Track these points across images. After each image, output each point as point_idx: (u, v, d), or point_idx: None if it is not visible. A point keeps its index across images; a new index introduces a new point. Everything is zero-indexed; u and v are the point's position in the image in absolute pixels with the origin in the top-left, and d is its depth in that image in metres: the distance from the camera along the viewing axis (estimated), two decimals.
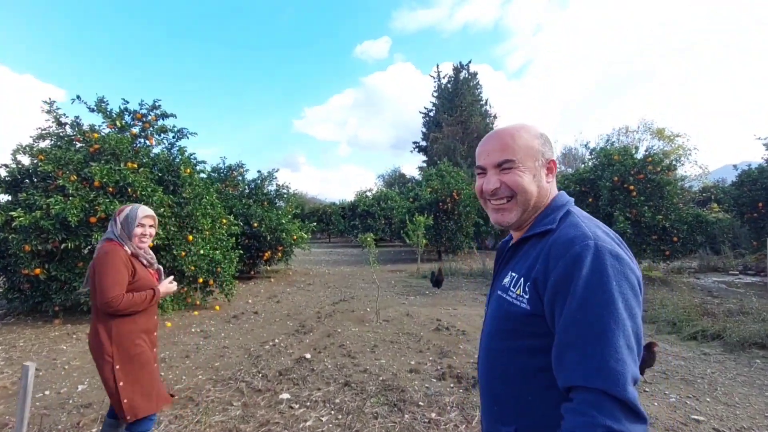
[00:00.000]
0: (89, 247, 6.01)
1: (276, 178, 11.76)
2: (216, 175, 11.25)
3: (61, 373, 3.96)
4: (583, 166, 12.70)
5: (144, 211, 2.33)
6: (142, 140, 7.35)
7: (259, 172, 11.58)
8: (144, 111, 7.13)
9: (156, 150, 7.36)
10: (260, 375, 3.83)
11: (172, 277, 2.52)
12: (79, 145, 6.67)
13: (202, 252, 6.66)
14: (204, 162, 7.91)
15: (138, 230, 2.28)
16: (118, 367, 2.15)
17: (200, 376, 3.84)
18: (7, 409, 3.21)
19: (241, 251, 8.03)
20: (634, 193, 9.09)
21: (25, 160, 6.18)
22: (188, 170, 7.06)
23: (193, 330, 5.53)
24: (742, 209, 9.64)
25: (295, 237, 10.62)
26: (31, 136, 6.57)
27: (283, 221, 10.41)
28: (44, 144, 6.63)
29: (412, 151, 40.03)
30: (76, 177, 5.91)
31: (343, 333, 5.29)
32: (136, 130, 7.26)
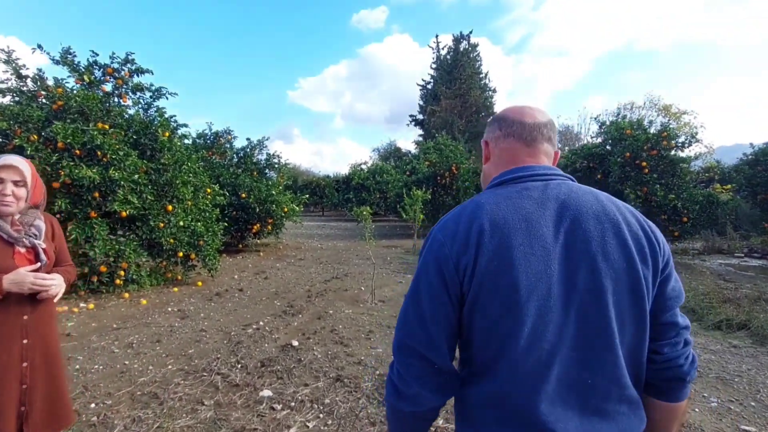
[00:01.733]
0: (57, 215, 5.44)
1: (266, 147, 11.09)
2: (202, 141, 10.54)
3: None
4: (591, 140, 12.14)
5: None
6: (117, 99, 6.64)
7: (248, 140, 10.87)
8: (116, 65, 6.38)
9: (131, 111, 6.66)
10: (239, 366, 3.35)
11: (38, 265, 1.66)
12: (43, 101, 5.97)
13: (181, 223, 6.09)
14: (185, 125, 7.22)
15: None
16: None
17: (170, 366, 3.34)
18: None
19: (227, 223, 7.48)
20: (646, 170, 8.58)
21: None
22: (167, 134, 6.40)
23: (169, 309, 5.02)
24: (756, 189, 9.18)
25: (285, 209, 10.05)
26: None
27: (273, 192, 9.81)
28: (5, 100, 5.92)
29: (408, 125, 39.16)
30: (37, 137, 5.26)
31: (335, 315, 4.82)
32: (108, 87, 6.55)
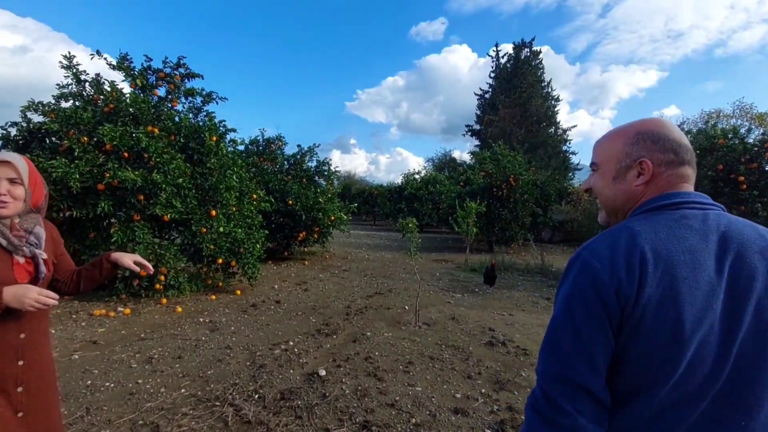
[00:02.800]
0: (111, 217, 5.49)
1: (317, 153, 10.92)
2: (254, 148, 10.59)
3: None
4: None
5: None
6: (169, 104, 6.68)
7: (299, 146, 10.77)
8: (168, 70, 6.41)
9: (182, 115, 6.65)
10: (256, 396, 2.94)
11: (43, 291, 1.38)
12: (101, 104, 6.09)
13: (221, 230, 5.91)
14: (234, 130, 7.12)
15: None
16: None
17: (183, 390, 3.01)
18: None
19: (272, 230, 7.26)
20: (744, 186, 7.32)
21: (38, 119, 5.64)
22: (214, 138, 6.30)
23: (201, 320, 4.78)
24: None
25: (333, 218, 9.77)
26: (53, 95, 6.06)
27: (321, 200, 9.56)
28: (67, 105, 6.10)
29: (464, 135, 38.21)
30: (87, 139, 5.30)
31: (372, 338, 4.32)
32: (161, 92, 6.60)
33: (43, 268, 1.50)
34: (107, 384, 3.04)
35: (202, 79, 6.65)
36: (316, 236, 10.02)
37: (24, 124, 5.48)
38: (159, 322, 4.63)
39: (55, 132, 5.21)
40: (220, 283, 6.42)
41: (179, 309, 5.15)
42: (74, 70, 5.94)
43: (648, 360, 0.77)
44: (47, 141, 5.56)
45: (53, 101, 5.95)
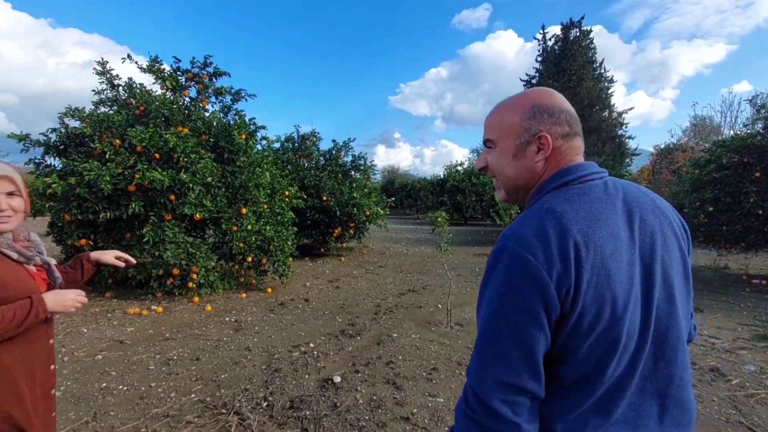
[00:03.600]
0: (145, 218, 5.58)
1: (352, 148, 10.76)
2: (290, 145, 10.61)
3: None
4: (741, 131, 9.59)
5: None
6: (200, 104, 6.74)
7: (333, 141, 10.66)
8: (195, 70, 6.45)
9: (208, 114, 6.70)
10: (265, 404, 2.77)
11: (77, 292, 1.44)
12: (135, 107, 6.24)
13: (250, 227, 5.87)
14: (264, 127, 7.06)
15: None
16: None
17: (193, 395, 2.90)
18: None
19: (295, 229, 7.16)
20: None
21: (75, 125, 5.86)
22: (243, 136, 6.28)
23: (227, 319, 4.74)
24: None
25: (368, 213, 9.58)
26: (92, 101, 6.30)
27: (356, 195, 9.39)
28: (105, 110, 6.31)
29: None
30: (119, 141, 5.42)
31: (398, 340, 4.06)
32: (193, 92, 6.67)
33: (57, 273, 1.49)
34: (120, 387, 3.00)
35: (229, 76, 6.65)
36: (351, 232, 9.88)
37: (62, 130, 5.69)
38: (187, 321, 4.63)
39: (89, 136, 5.36)
40: (253, 281, 6.43)
41: (209, 308, 5.16)
42: (108, 76, 6.12)
43: (595, 345, 0.74)
44: (83, 145, 5.76)
45: (92, 107, 6.18)
